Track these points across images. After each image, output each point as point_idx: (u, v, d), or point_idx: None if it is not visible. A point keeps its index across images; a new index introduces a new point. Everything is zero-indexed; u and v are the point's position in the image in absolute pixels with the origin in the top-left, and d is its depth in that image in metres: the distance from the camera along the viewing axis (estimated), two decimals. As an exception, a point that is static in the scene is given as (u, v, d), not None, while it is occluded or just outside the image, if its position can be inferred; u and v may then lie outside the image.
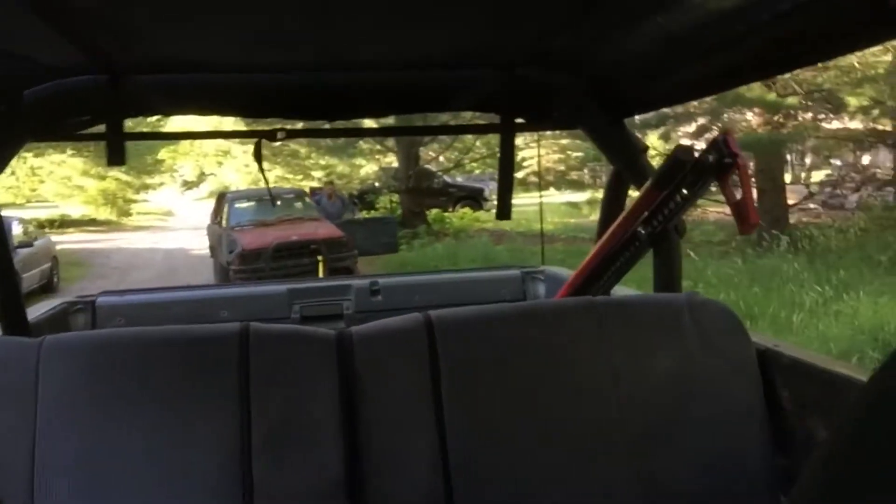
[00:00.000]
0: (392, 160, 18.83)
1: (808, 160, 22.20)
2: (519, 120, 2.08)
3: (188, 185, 34.50)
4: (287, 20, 1.34)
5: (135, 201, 27.54)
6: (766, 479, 1.43)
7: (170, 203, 31.98)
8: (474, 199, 21.42)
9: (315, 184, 19.18)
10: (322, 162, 20.20)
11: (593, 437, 1.41)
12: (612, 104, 1.88)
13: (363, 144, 18.06)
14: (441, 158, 19.92)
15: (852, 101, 9.90)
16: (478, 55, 1.71)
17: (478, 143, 18.59)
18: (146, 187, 28.21)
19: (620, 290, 2.11)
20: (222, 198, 12.54)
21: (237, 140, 19.59)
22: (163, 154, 25.36)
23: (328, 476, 1.33)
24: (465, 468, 1.36)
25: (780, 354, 1.49)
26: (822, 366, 1.42)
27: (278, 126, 2.02)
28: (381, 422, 1.38)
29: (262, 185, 19.63)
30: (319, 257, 9.18)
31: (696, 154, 1.59)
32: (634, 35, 1.46)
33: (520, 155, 20.94)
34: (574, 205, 14.93)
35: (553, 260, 11.44)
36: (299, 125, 2.27)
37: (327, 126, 2.20)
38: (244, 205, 11.70)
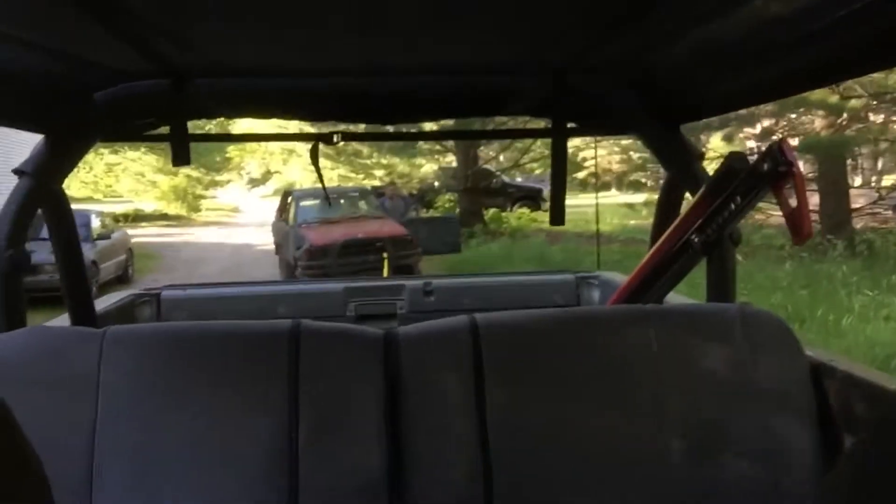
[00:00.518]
0: (451, 160, 19.04)
1: (880, 164, 21.45)
2: (571, 125, 2.07)
3: (254, 182, 35.51)
4: (340, 26, 1.38)
5: (204, 197, 28.55)
6: (813, 495, 1.38)
7: (236, 200, 33.00)
8: (532, 199, 21.45)
9: (377, 182, 19.58)
10: (384, 161, 20.57)
11: (639, 448, 1.38)
12: (666, 111, 1.87)
13: (423, 145, 18.30)
14: (501, 158, 20.04)
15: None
16: (529, 61, 1.72)
17: (538, 144, 18.64)
18: (215, 184, 29.23)
19: (674, 298, 2.08)
20: (288, 195, 12.81)
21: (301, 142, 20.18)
22: (231, 152, 26.24)
23: (370, 474, 1.34)
24: (506, 473, 1.35)
25: (833, 369, 1.44)
26: (879, 383, 1.37)
27: (335, 129, 2.08)
28: (424, 423, 1.39)
29: (329, 183, 20.20)
30: (385, 254, 9.30)
31: (751, 162, 1.57)
32: (687, 42, 1.47)
33: (580, 155, 20.89)
34: (631, 206, 14.83)
35: (609, 262, 11.46)
36: (358, 127, 2.35)
37: (383, 129, 2.31)
38: (310, 202, 11.89)
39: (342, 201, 12.03)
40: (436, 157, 20.05)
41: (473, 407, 1.37)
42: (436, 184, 19.78)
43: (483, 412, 1.36)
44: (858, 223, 11.82)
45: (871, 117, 11.97)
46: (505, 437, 1.36)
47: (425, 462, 1.37)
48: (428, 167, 21.21)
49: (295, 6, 1.25)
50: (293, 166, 27.10)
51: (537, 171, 23.36)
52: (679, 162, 1.94)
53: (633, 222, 15.62)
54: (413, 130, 4.55)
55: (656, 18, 1.30)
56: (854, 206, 12.15)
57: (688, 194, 1.96)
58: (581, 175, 21.18)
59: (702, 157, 1.95)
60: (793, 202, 1.47)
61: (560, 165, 2.01)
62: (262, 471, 1.33)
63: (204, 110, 2.00)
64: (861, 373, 1.42)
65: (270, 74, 1.81)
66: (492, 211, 18.16)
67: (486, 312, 1.49)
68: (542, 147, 19.24)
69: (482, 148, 18.21)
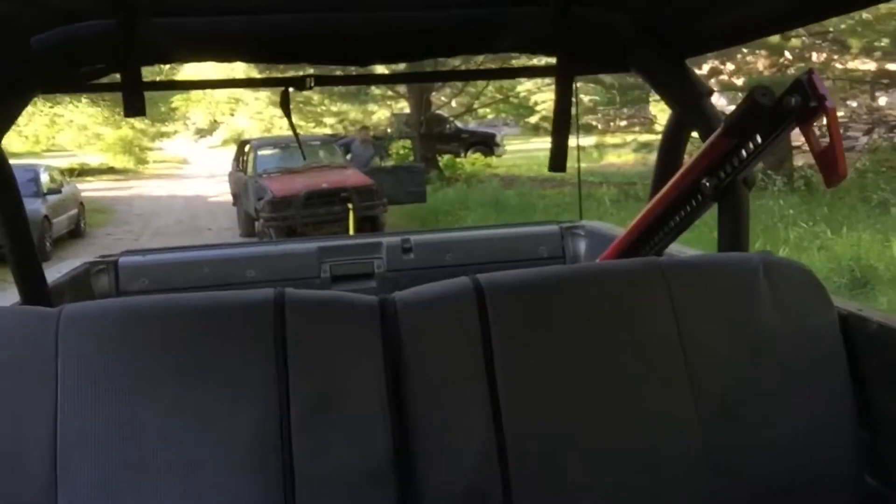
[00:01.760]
0: (404, 106, 18.97)
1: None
2: (576, 63, 1.93)
3: (201, 132, 34.77)
4: None
5: (150, 149, 27.88)
6: (847, 456, 1.32)
7: (184, 151, 32.31)
8: (486, 144, 21.59)
9: (328, 131, 19.42)
10: (334, 109, 20.39)
11: (659, 410, 1.29)
12: (672, 44, 1.76)
13: (375, 90, 18.17)
14: (453, 104, 20.04)
15: (854, 43, 9.99)
16: None
17: (490, 88, 18.68)
18: (161, 135, 28.53)
19: (676, 250, 1.94)
20: (245, 145, 12.56)
21: (249, 90, 19.80)
22: (176, 102, 25.61)
23: (375, 457, 1.22)
24: (521, 446, 1.25)
25: (865, 320, 1.37)
26: None
27: (307, 72, 1.90)
28: (430, 397, 1.27)
29: (276, 132, 19.89)
30: (350, 205, 9.16)
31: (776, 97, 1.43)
32: None
33: (532, 99, 21.01)
34: (582, 149, 15.10)
35: (561, 204, 11.79)
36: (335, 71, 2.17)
37: (359, 72, 2.10)
38: (270, 152, 11.61)
39: (307, 152, 11.67)
40: (388, 103, 19.93)
41: (483, 376, 1.26)
42: (388, 130, 19.73)
43: (494, 382, 1.26)
44: (799, 160, 12.29)
45: (815, 57, 12.32)
46: (519, 407, 1.26)
47: (434, 440, 1.26)
48: (381, 114, 21.10)
49: None
50: (241, 115, 26.64)
51: (490, 116, 23.48)
52: (686, 99, 1.80)
53: (584, 165, 15.91)
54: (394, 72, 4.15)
55: None
56: (795, 143, 12.62)
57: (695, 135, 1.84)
58: (533, 120, 21.35)
59: (710, 93, 1.81)
60: (823, 141, 1.36)
61: (564, 106, 1.85)
62: (249, 462, 1.20)
63: (160, 54, 1.79)
64: (894, 322, 1.33)
65: (234, 12, 1.65)
66: (446, 157, 18.25)
67: (487, 273, 1.37)
68: (494, 92, 19.30)
69: (434, 93, 18.17)
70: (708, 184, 1.61)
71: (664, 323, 1.33)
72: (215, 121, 31.74)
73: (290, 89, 1.84)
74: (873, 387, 1.35)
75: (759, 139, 1.48)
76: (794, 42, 10.72)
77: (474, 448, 1.25)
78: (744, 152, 1.52)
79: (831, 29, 10.68)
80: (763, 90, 1.46)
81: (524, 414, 1.26)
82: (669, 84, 1.85)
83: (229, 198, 12.74)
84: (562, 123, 1.87)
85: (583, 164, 15.29)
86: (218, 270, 2.59)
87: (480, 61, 11.37)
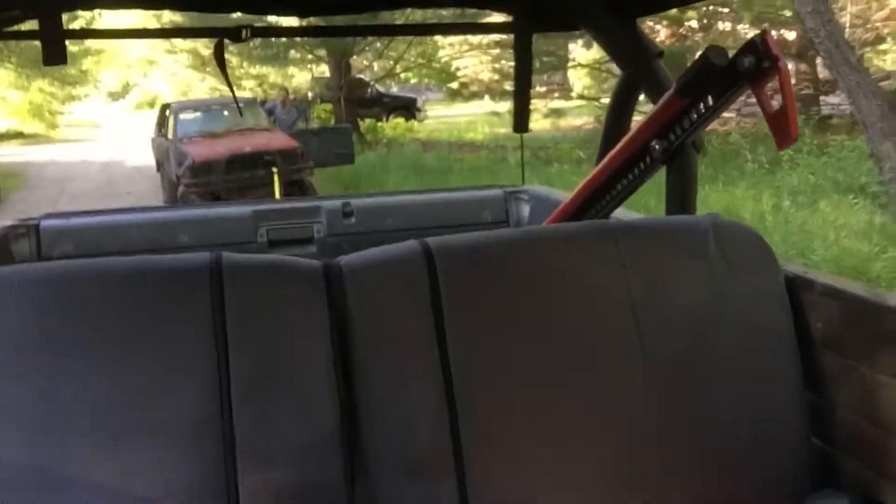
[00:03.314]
0: (325, 69, 18.96)
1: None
2: (533, 20, 1.91)
3: (114, 96, 33.61)
4: None
5: (61, 113, 26.88)
6: (795, 417, 1.34)
7: (97, 115, 31.23)
8: (407, 108, 21.78)
9: (247, 94, 19.23)
10: (253, 71, 20.15)
11: (612, 373, 1.29)
12: (624, 4, 1.75)
13: (294, 53, 18.09)
14: (375, 67, 20.13)
15: (746, 16, 10.75)
16: None
17: (411, 52, 18.85)
18: (72, 98, 27.46)
19: (620, 214, 1.94)
20: (166, 108, 12.14)
21: (164, 47, 19.30)
22: (86, 63, 24.68)
23: (320, 429, 1.18)
24: (475, 416, 1.22)
25: (811, 282, 1.38)
26: (858, 293, 1.31)
27: (241, 23, 1.80)
28: (379, 366, 1.23)
29: (192, 96, 19.48)
30: (274, 169, 8.86)
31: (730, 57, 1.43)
32: None
33: (454, 65, 21.24)
34: (499, 115, 15.58)
35: (476, 167, 12.27)
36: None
37: (302, 24, 1.95)
38: (191, 115, 11.18)
39: (225, 113, 11.28)
40: (308, 66, 19.86)
41: (434, 343, 1.22)
42: (309, 94, 19.69)
43: (445, 349, 1.22)
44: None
45: (721, 26, 13.01)
46: (470, 376, 1.23)
47: (383, 411, 1.22)
48: (301, 77, 20.98)
49: None
50: (155, 77, 25.87)
51: (413, 81, 23.61)
52: (637, 60, 1.79)
53: (503, 131, 16.41)
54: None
55: None
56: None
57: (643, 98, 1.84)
58: (455, 85, 21.65)
59: (661, 54, 1.81)
60: (775, 102, 1.36)
61: (524, 66, 1.83)
62: (187, 437, 1.14)
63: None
64: (841, 284, 1.35)
65: None
66: (367, 121, 18.42)
67: (437, 236, 1.33)
68: (415, 56, 19.47)
69: (355, 56, 18.24)
70: (658, 146, 1.60)
71: (615, 283, 1.32)
72: (128, 83, 30.72)
73: (233, 41, 1.76)
74: (818, 348, 1.36)
75: (710, 101, 1.47)
76: (691, 13, 11.41)
77: (425, 419, 1.21)
78: (695, 114, 1.51)
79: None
80: (717, 51, 1.45)
81: (476, 383, 1.23)
82: (621, 44, 1.84)
83: (148, 162, 12.57)
84: (523, 84, 1.86)
85: (501, 130, 15.88)
86: (148, 234, 2.47)
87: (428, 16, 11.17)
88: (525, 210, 2.69)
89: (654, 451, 1.27)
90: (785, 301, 1.37)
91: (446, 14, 11.44)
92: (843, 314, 1.32)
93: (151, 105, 25.83)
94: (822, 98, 13.61)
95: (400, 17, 10.11)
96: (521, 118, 1.88)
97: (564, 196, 2.13)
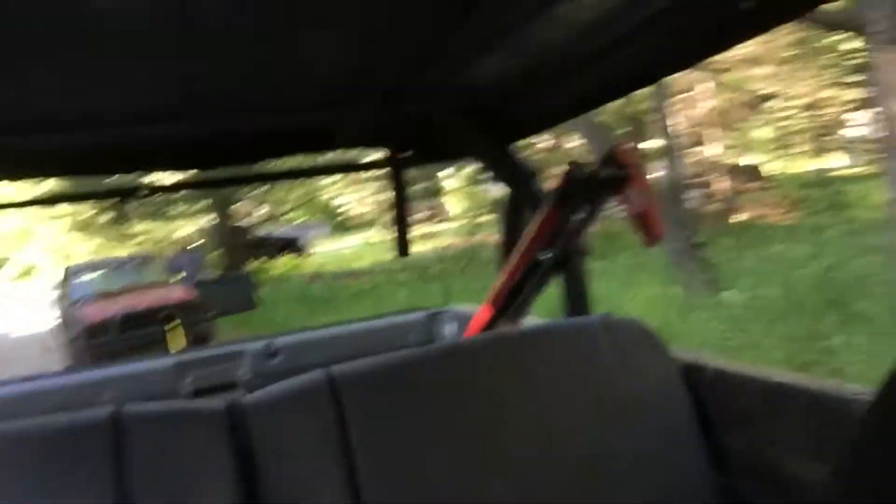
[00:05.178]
0: (214, 217, 19.47)
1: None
2: (407, 154, 2.03)
3: (-12, 268, 32.27)
4: (130, 63, 1.24)
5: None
6: (707, 502, 1.37)
7: (-31, 289, 29.83)
8: (291, 247, 22.69)
9: (134, 250, 19.32)
10: (138, 229, 20.35)
11: (523, 475, 1.30)
12: (495, 131, 1.86)
13: (184, 206, 18.58)
14: (253, 214, 20.91)
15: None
16: (354, 87, 1.65)
17: (295, 194, 19.75)
18: (-58, 276, 26.31)
19: (534, 321, 1.98)
20: (67, 271, 11.78)
21: (47, 214, 19.16)
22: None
23: None
24: None
25: (703, 368, 1.45)
26: (748, 374, 1.38)
27: (140, 182, 1.83)
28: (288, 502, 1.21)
29: (76, 260, 19.27)
30: (168, 326, 8.48)
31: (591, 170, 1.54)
32: (503, 57, 1.48)
33: (336, 201, 22.26)
34: (384, 243, 16.43)
35: (359, 292, 13.15)
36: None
37: (187, 179, 2.08)
38: (87, 277, 10.95)
39: (123, 271, 11.11)
40: (195, 217, 20.34)
41: (346, 480, 1.21)
42: (200, 243, 20.04)
43: (355, 477, 1.21)
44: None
45: (568, 144, 14.76)
46: (382, 494, 1.22)
47: None
48: (186, 229, 21.35)
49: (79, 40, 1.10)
50: (34, 249, 25.34)
51: (302, 220, 24.43)
52: (517, 181, 1.92)
53: (388, 257, 17.43)
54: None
55: (471, 33, 1.32)
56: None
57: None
58: (339, 220, 22.68)
59: (535, 173, 1.94)
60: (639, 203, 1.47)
61: (400, 197, 1.97)
62: None
63: None
64: (732, 368, 1.43)
65: (48, 129, 1.55)
66: (255, 262, 19.04)
67: (343, 363, 1.34)
68: (296, 197, 20.38)
69: (235, 206, 19.01)
70: (544, 257, 1.69)
71: (516, 390, 1.35)
72: (4, 258, 29.83)
73: (136, 199, 1.83)
74: (719, 430, 1.41)
75: (583, 209, 1.58)
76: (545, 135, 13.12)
77: None
78: (573, 223, 1.62)
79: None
80: (576, 165, 1.56)
81: (387, 497, 1.22)
82: (500, 168, 1.96)
83: (40, 331, 12.24)
84: (400, 213, 2.00)
85: (386, 256, 17.00)
86: (67, 398, 2.34)
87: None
88: (449, 329, 2.71)
89: None
90: (682, 389, 1.44)
91: (324, 157, 12.39)
92: (735, 394, 1.40)
93: (28, 274, 25.25)
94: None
95: (279, 162, 10.88)
96: (402, 243, 2.02)
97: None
